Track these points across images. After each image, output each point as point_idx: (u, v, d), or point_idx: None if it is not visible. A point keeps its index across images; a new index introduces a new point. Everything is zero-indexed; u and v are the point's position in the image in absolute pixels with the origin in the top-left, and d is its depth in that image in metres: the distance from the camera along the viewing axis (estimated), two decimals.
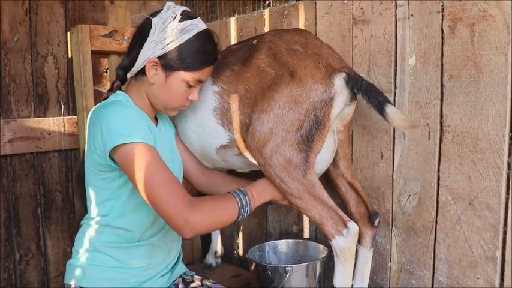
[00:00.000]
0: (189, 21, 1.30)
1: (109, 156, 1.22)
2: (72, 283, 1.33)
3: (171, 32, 1.28)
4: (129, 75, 1.38)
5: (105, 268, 1.32)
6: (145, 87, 1.35)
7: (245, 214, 1.32)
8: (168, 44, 1.28)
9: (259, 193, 1.38)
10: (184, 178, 1.57)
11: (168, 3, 1.33)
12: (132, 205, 1.32)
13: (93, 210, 1.35)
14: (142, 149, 1.20)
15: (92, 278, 1.31)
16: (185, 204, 1.18)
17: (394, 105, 1.49)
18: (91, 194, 1.35)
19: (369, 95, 1.29)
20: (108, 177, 1.30)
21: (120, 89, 1.41)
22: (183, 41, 1.28)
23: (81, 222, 1.41)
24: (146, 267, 1.37)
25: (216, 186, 1.57)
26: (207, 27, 1.34)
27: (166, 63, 1.29)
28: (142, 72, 1.32)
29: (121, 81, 1.40)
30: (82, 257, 1.34)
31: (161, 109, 1.38)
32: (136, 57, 1.32)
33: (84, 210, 1.43)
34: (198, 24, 1.31)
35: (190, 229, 1.18)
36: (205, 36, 1.32)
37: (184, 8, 1.33)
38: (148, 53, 1.29)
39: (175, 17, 1.29)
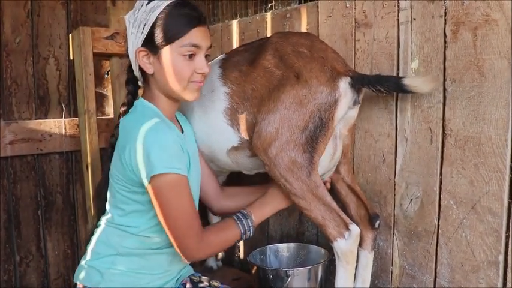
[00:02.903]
0: (156, 0, 1.28)
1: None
2: (89, 285, 1.33)
3: (142, 16, 1.27)
4: (140, 83, 1.38)
5: (125, 273, 1.32)
6: (154, 84, 1.33)
7: (248, 236, 1.37)
8: (143, 28, 1.26)
9: (262, 206, 1.42)
10: (202, 201, 1.56)
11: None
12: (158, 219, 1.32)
13: (119, 217, 1.34)
14: (175, 182, 1.21)
15: (110, 281, 1.31)
16: (196, 241, 1.26)
17: (397, 108, 1.50)
18: (118, 201, 1.34)
19: (381, 82, 1.32)
20: (138, 192, 1.29)
21: (133, 100, 1.41)
22: (155, 17, 1.26)
23: (101, 222, 1.40)
24: (163, 274, 1.39)
25: (236, 200, 1.57)
26: None
27: (151, 46, 1.27)
28: (143, 72, 1.32)
29: (132, 94, 1.41)
30: (102, 259, 1.34)
31: (177, 96, 1.33)
32: (129, 58, 1.33)
33: (102, 211, 1.43)
34: None
35: (193, 260, 1.33)
36: (175, 4, 1.28)
37: None
38: (133, 47, 1.29)
39: (143, 4, 1.28)
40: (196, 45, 1.28)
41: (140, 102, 1.36)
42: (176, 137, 1.26)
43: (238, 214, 1.37)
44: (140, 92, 1.45)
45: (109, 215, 1.38)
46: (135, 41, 1.29)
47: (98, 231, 1.39)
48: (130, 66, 1.37)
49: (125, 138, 1.27)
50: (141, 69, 1.32)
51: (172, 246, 1.36)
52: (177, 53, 1.26)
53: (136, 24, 1.28)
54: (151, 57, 1.29)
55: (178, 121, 1.47)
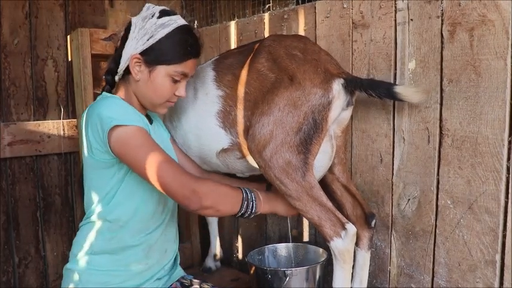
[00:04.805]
0: (167, 17, 1.33)
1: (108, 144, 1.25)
2: (70, 287, 1.33)
3: (150, 27, 1.31)
4: (116, 78, 1.40)
5: (101, 272, 1.33)
6: (132, 86, 1.37)
7: (248, 209, 1.33)
8: (148, 40, 1.31)
9: (267, 200, 1.40)
10: None
11: (147, 5, 1.37)
12: (126, 193, 1.33)
13: (89, 210, 1.36)
14: (136, 131, 1.25)
15: (88, 282, 1.32)
16: (190, 178, 1.24)
17: (394, 108, 1.50)
18: (93, 195, 1.36)
19: (373, 87, 1.33)
20: (108, 174, 1.31)
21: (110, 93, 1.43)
22: (163, 35, 1.31)
23: (80, 224, 1.42)
24: (142, 268, 1.38)
25: None
26: (186, 23, 1.36)
27: (149, 58, 1.32)
28: (127, 71, 1.35)
29: (110, 85, 1.43)
30: (79, 261, 1.35)
31: (149, 107, 1.40)
32: (120, 57, 1.35)
33: (83, 213, 1.44)
34: (177, 20, 1.34)
35: (197, 200, 1.22)
36: (185, 30, 1.35)
37: (163, 7, 1.37)
38: (130, 50, 1.32)
39: (153, 15, 1.33)
40: (185, 74, 1.36)
41: (105, 94, 1.40)
42: (133, 109, 1.33)
43: (245, 187, 1.37)
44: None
45: (84, 216, 1.40)
46: (134, 46, 1.32)
47: (77, 234, 1.41)
48: (114, 59, 1.39)
49: (86, 122, 1.31)
50: (126, 69, 1.35)
51: (146, 235, 1.37)
52: (167, 74, 1.33)
53: (142, 32, 1.31)
54: (143, 66, 1.33)
55: (149, 118, 1.49)
